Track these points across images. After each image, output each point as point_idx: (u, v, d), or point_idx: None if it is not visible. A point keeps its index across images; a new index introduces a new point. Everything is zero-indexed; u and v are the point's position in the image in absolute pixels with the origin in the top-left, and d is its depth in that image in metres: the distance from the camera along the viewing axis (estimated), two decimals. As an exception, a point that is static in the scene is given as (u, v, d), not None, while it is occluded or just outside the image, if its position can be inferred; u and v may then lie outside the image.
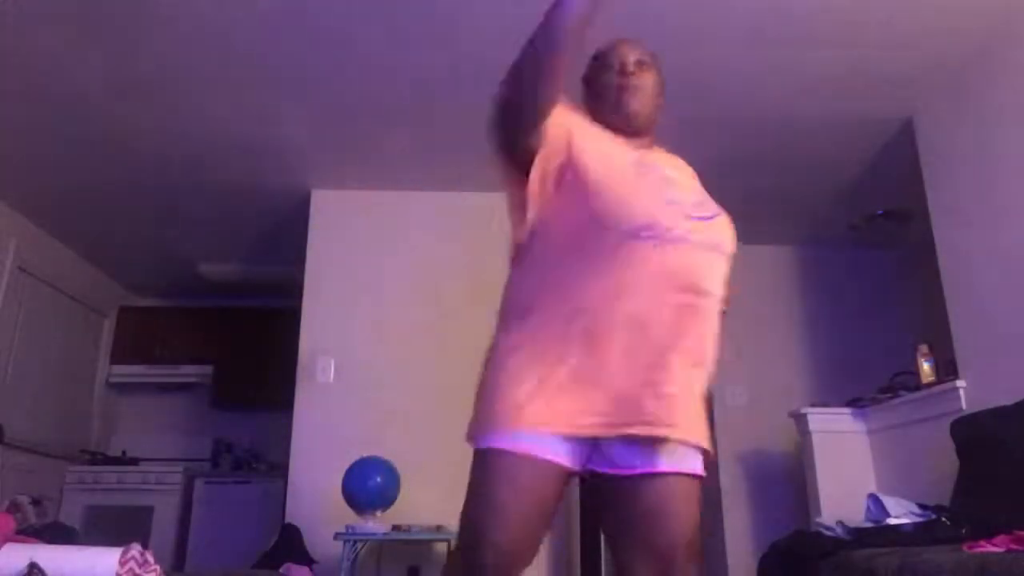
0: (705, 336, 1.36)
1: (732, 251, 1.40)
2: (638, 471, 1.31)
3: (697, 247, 1.32)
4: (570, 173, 1.35)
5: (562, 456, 1.27)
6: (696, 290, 1.31)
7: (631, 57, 1.47)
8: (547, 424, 1.26)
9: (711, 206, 1.44)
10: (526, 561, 1.26)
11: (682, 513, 1.33)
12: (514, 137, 1.33)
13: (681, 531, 1.32)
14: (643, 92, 1.46)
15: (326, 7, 2.70)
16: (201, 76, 3.11)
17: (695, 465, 1.37)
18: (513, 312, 1.37)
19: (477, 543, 1.24)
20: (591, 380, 1.27)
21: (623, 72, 1.45)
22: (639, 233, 1.28)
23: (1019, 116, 2.80)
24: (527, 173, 1.35)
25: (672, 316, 1.29)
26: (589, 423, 1.27)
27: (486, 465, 1.27)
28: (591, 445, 1.31)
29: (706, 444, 1.39)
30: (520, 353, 1.31)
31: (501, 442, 1.26)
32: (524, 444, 1.25)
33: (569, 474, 1.31)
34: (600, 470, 1.33)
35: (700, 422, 1.40)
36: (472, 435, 1.32)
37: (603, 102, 1.47)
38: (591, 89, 1.51)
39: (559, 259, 1.34)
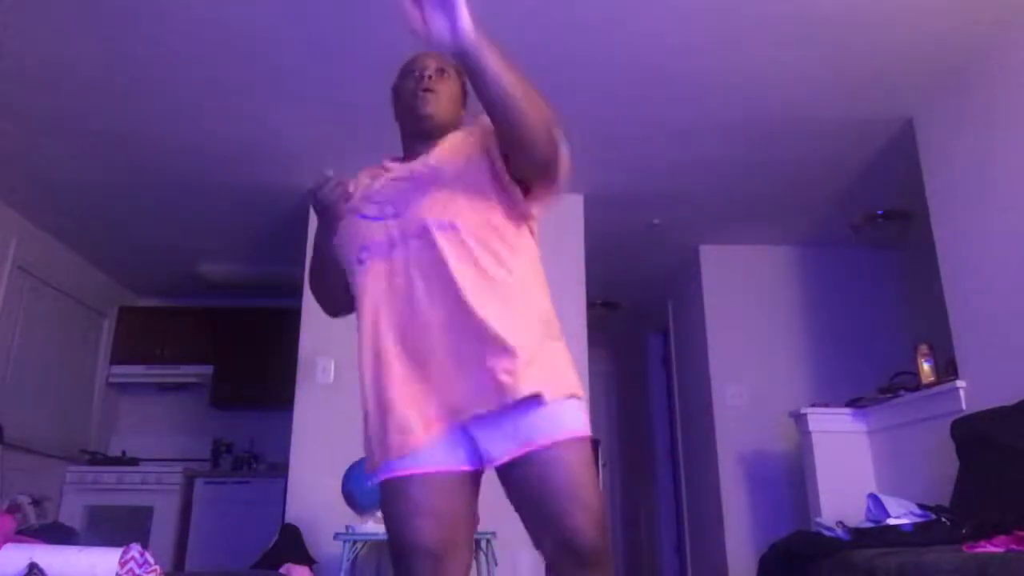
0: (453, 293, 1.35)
1: (444, 219, 1.39)
2: (502, 460, 1.30)
3: (405, 241, 1.40)
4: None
5: (433, 464, 1.33)
6: (408, 290, 1.37)
7: (431, 66, 1.53)
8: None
9: (425, 175, 1.46)
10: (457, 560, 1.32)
11: (553, 492, 1.26)
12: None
13: (560, 511, 1.25)
14: (439, 97, 1.51)
15: (326, 7, 2.70)
16: (201, 76, 3.11)
17: (547, 433, 1.28)
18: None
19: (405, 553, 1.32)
20: (394, 401, 1.36)
21: (421, 78, 1.51)
22: (360, 260, 1.44)
23: (1019, 116, 2.80)
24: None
25: (409, 310, 1.36)
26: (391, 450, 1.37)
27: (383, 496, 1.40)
28: (468, 441, 1.34)
29: (528, 390, 1.28)
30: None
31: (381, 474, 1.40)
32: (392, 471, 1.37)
33: (463, 474, 1.35)
34: (493, 465, 1.34)
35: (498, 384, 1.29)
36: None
37: (404, 107, 1.55)
38: (397, 97, 1.59)
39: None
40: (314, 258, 1.64)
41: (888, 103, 3.33)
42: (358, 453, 3.40)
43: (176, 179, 4.01)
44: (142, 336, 5.48)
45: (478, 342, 1.31)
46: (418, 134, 1.53)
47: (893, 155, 3.68)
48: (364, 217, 1.47)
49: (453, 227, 1.37)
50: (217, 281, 5.33)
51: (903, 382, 3.44)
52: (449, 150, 1.48)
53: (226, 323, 5.47)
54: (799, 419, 3.69)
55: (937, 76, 3.12)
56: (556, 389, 1.31)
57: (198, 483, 5.02)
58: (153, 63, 3.01)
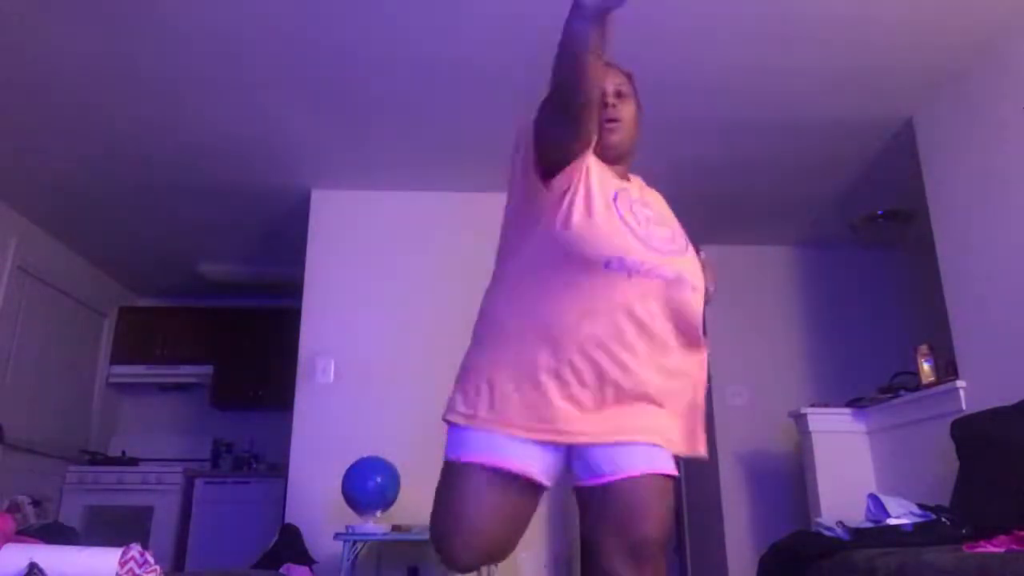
0: (665, 359, 1.46)
1: (700, 285, 1.51)
2: (615, 477, 1.38)
3: (663, 282, 1.42)
4: (568, 199, 1.41)
5: (530, 466, 1.38)
6: (652, 321, 1.42)
7: (611, 87, 1.52)
8: (512, 433, 1.37)
9: (681, 242, 1.52)
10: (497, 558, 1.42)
11: (654, 509, 1.38)
12: (564, 136, 1.39)
13: (653, 526, 1.37)
14: (623, 125, 1.52)
15: (326, 6, 2.70)
16: (201, 76, 3.11)
17: (666, 466, 1.42)
18: (485, 328, 1.48)
19: (447, 544, 1.41)
20: (542, 397, 1.37)
21: (604, 104, 1.50)
22: (608, 265, 1.38)
23: (1019, 116, 2.80)
24: (548, 176, 1.41)
25: (630, 341, 1.39)
26: (553, 433, 1.38)
27: (453, 476, 1.41)
28: (565, 454, 1.41)
29: (674, 448, 1.47)
30: (483, 369, 1.42)
31: (471, 455, 1.39)
32: (483, 456, 1.37)
33: (536, 484, 1.41)
34: (579, 482, 1.42)
35: (666, 430, 1.46)
36: (446, 446, 1.44)
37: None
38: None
39: (533, 279, 1.42)
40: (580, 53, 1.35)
41: (888, 103, 3.33)
42: (358, 453, 3.43)
43: (176, 179, 4.01)
44: (142, 336, 5.48)
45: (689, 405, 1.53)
46: (602, 159, 1.53)
47: (893, 155, 3.67)
48: (631, 229, 1.44)
49: (695, 288, 1.49)
50: (217, 281, 5.33)
51: (903, 382, 3.44)
52: (665, 211, 1.62)
53: (226, 323, 5.47)
54: (799, 419, 3.69)
55: (937, 76, 3.12)
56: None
57: (198, 483, 5.02)
58: (153, 63, 3.01)
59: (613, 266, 1.38)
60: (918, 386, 3.28)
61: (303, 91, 3.24)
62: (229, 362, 5.40)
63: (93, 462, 5.01)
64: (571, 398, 1.37)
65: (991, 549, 2.00)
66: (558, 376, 1.37)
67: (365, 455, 3.24)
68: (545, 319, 1.39)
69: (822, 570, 2.39)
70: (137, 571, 2.02)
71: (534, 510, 1.44)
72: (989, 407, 2.67)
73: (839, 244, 4.72)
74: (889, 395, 3.45)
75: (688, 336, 1.47)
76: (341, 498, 3.16)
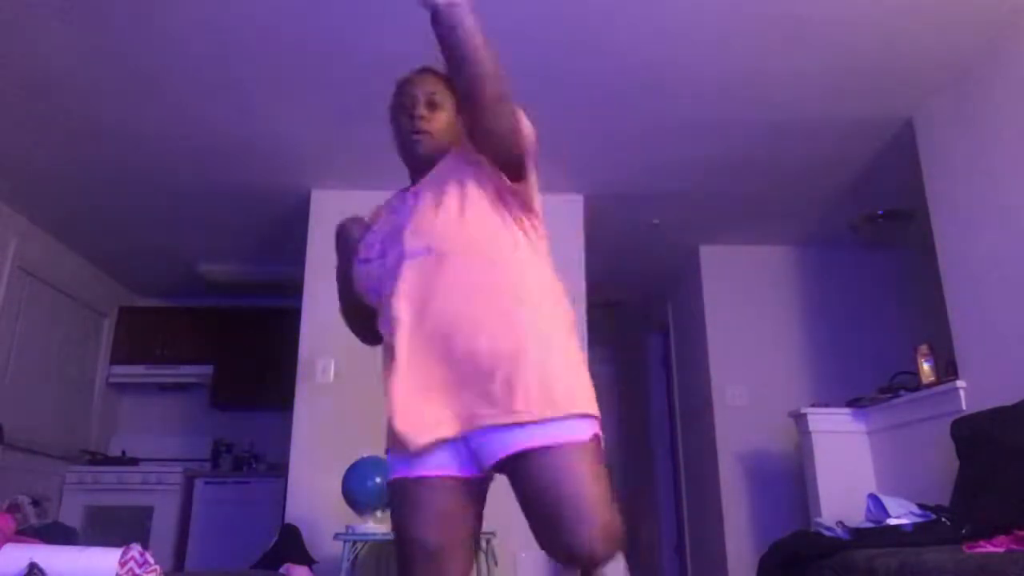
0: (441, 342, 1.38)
1: (432, 241, 1.42)
2: (499, 457, 1.31)
3: (410, 258, 1.42)
4: None
5: (435, 469, 1.37)
6: (416, 301, 1.39)
7: (421, 99, 1.53)
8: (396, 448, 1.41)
9: (411, 204, 1.50)
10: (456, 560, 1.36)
11: (552, 490, 1.25)
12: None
13: (566, 513, 1.23)
14: (432, 136, 1.53)
15: (326, 7, 2.70)
16: (201, 76, 3.11)
17: (552, 435, 1.29)
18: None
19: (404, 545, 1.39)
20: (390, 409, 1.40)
21: (412, 118, 1.53)
22: (371, 296, 1.52)
23: (1019, 116, 2.80)
24: None
25: (410, 329, 1.40)
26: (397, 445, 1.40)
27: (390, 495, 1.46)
28: (465, 448, 1.37)
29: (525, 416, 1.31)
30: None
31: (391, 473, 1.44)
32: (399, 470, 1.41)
33: (466, 480, 1.38)
34: (474, 473, 1.39)
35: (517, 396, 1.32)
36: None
37: (399, 144, 1.58)
38: (393, 126, 1.60)
39: None
40: (340, 295, 1.69)
41: (888, 103, 3.33)
42: (358, 453, 3.42)
43: (176, 179, 4.01)
44: (142, 336, 5.47)
45: (469, 363, 1.34)
46: (417, 170, 1.56)
47: (893, 155, 3.68)
48: (364, 262, 1.54)
49: (428, 250, 1.40)
50: (217, 281, 5.33)
51: (903, 382, 3.44)
52: (436, 174, 1.51)
53: (226, 323, 5.47)
54: (799, 419, 3.69)
55: (937, 76, 3.12)
56: (563, 406, 1.33)
57: (198, 483, 5.02)
58: (154, 63, 3.01)
59: (372, 300, 1.52)
60: (918, 386, 3.28)
61: (303, 91, 3.24)
62: (229, 362, 5.39)
63: (93, 462, 5.01)
64: (399, 406, 1.42)
65: (991, 549, 2.00)
66: (389, 383, 1.44)
67: (365, 455, 3.24)
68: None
69: (822, 570, 2.39)
70: (137, 571, 2.02)
71: (465, 506, 1.39)
72: (989, 407, 2.67)
73: (839, 244, 4.72)
74: (889, 395, 3.45)
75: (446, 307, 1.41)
76: (341, 498, 3.16)
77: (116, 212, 4.42)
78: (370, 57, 2.98)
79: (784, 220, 4.51)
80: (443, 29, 1.30)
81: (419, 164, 1.55)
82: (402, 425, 1.37)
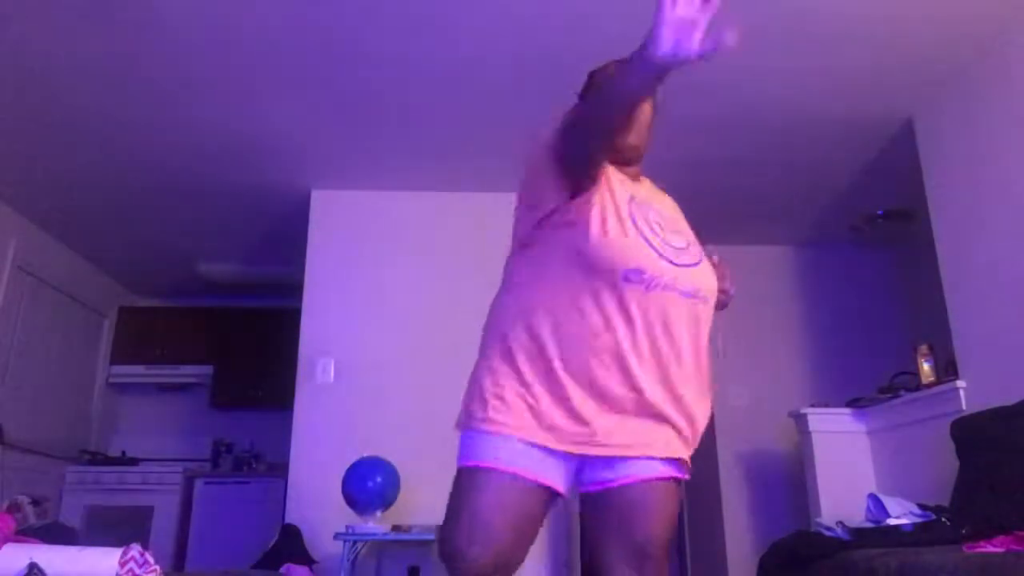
0: (679, 371, 1.43)
1: (713, 297, 1.49)
2: (620, 482, 1.40)
3: (680, 295, 1.41)
4: (588, 211, 1.41)
5: (544, 476, 1.36)
6: (670, 336, 1.40)
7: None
8: (526, 439, 1.35)
9: (696, 251, 1.51)
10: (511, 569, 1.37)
11: (657, 510, 1.41)
12: (583, 167, 1.41)
13: (656, 527, 1.40)
14: (640, 125, 1.53)
15: (326, 6, 2.70)
16: (201, 76, 3.11)
17: (669, 470, 1.43)
18: (496, 335, 1.45)
19: (458, 556, 1.34)
20: (565, 405, 1.35)
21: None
22: (628, 277, 1.36)
23: (1019, 116, 2.80)
24: (570, 193, 1.41)
25: (646, 354, 1.38)
26: (561, 442, 1.36)
27: (471, 482, 1.36)
28: (572, 463, 1.39)
29: (678, 454, 1.45)
30: (499, 374, 1.39)
31: (482, 461, 1.36)
32: (501, 463, 1.34)
33: (554, 493, 1.39)
34: (585, 488, 1.44)
35: (672, 445, 1.44)
36: (459, 453, 1.42)
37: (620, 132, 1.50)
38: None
39: (552, 290, 1.40)
40: (629, 106, 1.32)
41: (888, 103, 3.33)
42: (358, 453, 3.43)
43: (176, 179, 4.01)
44: (142, 336, 5.48)
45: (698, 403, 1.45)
46: (614, 160, 1.52)
47: (893, 155, 3.67)
48: (648, 241, 1.42)
49: (707, 301, 1.47)
50: (217, 281, 5.33)
51: (903, 382, 3.44)
52: (677, 215, 1.63)
53: (226, 323, 5.47)
54: (799, 419, 3.69)
55: (937, 76, 3.12)
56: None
57: (198, 483, 5.02)
58: (153, 63, 3.01)
59: (631, 279, 1.36)
60: (918, 386, 3.28)
61: (303, 91, 3.24)
62: (229, 362, 5.40)
63: (93, 462, 5.01)
64: (599, 409, 1.35)
65: (991, 549, 2.00)
66: (580, 384, 1.35)
67: (365, 455, 3.25)
68: (564, 330, 1.37)
69: (822, 570, 2.39)
70: (137, 571, 2.02)
71: (543, 518, 1.42)
72: (989, 407, 2.66)
73: (839, 244, 4.72)
74: (889, 395, 3.44)
75: (698, 355, 1.47)
76: (341, 498, 3.16)
77: (116, 212, 4.42)
78: (371, 57, 2.98)
79: (784, 220, 4.51)
80: (644, 80, 1.21)
81: (626, 156, 1.56)
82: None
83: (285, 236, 4.55)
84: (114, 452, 5.35)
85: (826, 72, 3.09)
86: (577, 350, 1.36)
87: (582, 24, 2.80)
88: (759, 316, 4.67)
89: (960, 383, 2.97)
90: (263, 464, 5.38)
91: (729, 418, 4.50)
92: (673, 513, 1.45)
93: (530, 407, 1.35)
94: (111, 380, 5.43)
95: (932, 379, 3.20)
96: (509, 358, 1.39)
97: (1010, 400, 2.58)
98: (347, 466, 3.19)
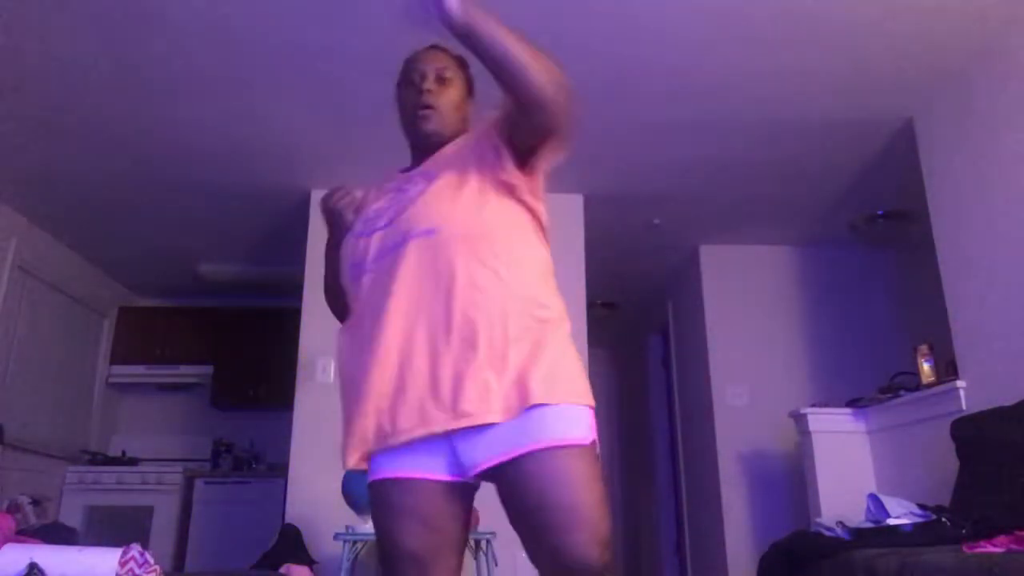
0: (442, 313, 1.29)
1: (424, 227, 1.34)
2: (484, 465, 1.23)
3: (395, 250, 1.35)
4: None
5: (422, 470, 1.30)
6: (394, 288, 1.32)
7: (430, 71, 1.48)
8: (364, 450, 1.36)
9: (411, 186, 1.43)
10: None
11: (548, 506, 1.17)
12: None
13: (555, 520, 1.16)
14: (439, 112, 1.46)
15: (326, 7, 2.70)
16: (201, 76, 3.11)
17: (544, 436, 1.20)
18: None
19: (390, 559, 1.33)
20: (369, 407, 1.33)
21: (420, 92, 1.47)
22: (352, 279, 1.42)
23: (1019, 116, 2.80)
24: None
25: (391, 329, 1.31)
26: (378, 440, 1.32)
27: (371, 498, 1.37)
28: (447, 451, 1.29)
29: (503, 414, 1.23)
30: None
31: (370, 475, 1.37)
32: (381, 470, 1.34)
33: (449, 484, 1.31)
34: (461, 477, 1.31)
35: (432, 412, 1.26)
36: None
37: (406, 120, 1.51)
38: (398, 104, 1.54)
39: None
40: (326, 270, 1.59)
41: (888, 103, 3.33)
42: (358, 453, 3.39)
43: (176, 179, 4.01)
44: (142, 336, 5.48)
45: (462, 349, 1.25)
46: (421, 148, 1.50)
47: (893, 155, 3.68)
48: (357, 235, 1.45)
49: (431, 231, 1.31)
50: (217, 281, 5.33)
51: (903, 382, 3.44)
52: (444, 155, 1.45)
53: (226, 323, 5.47)
54: (799, 419, 3.69)
55: (937, 76, 3.12)
56: (556, 394, 1.24)
57: (198, 483, 5.02)
58: (153, 63, 3.01)
59: (353, 275, 1.42)
60: (918, 386, 3.28)
61: (303, 91, 3.24)
62: (229, 362, 5.39)
63: (93, 462, 5.01)
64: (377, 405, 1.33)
65: (991, 549, 2.00)
66: (358, 389, 1.36)
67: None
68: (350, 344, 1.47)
69: (822, 570, 2.39)
70: (137, 571, 2.03)
71: (449, 511, 1.32)
72: (989, 407, 2.67)
73: (839, 244, 4.72)
74: (889, 395, 3.45)
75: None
76: (341, 498, 3.16)
77: (116, 212, 4.42)
78: (370, 57, 2.98)
79: (784, 220, 4.51)
80: (462, 40, 1.26)
81: (424, 141, 1.48)
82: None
83: (285, 236, 4.55)
84: (114, 452, 5.35)
85: (826, 72, 3.09)
86: (347, 364, 1.46)
87: (580, 24, 2.80)
88: (759, 316, 4.68)
89: (960, 383, 2.97)
90: (263, 464, 5.38)
91: (729, 418, 4.51)
92: (573, 492, 1.18)
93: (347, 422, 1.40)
94: (111, 380, 5.43)
95: (932, 379, 3.20)
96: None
97: (1010, 400, 2.58)
98: (347, 466, 3.19)
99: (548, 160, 1.40)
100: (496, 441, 1.22)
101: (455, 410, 1.23)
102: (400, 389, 1.29)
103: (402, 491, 1.31)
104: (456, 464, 1.28)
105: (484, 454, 1.23)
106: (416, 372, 1.28)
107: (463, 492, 1.33)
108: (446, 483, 1.30)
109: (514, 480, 1.21)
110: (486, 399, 1.23)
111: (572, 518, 1.15)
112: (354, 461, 1.37)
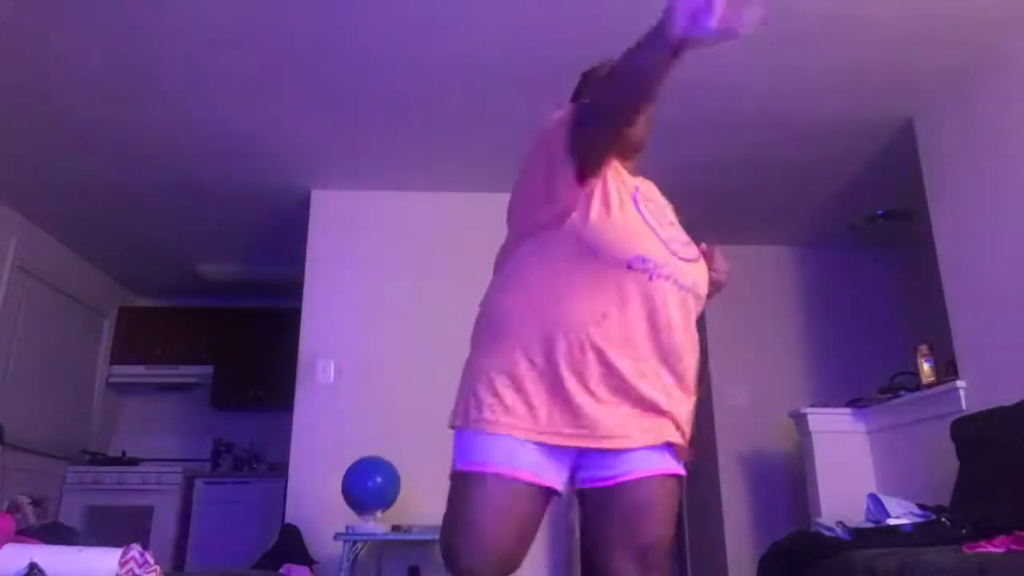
0: (676, 363, 1.42)
1: (704, 296, 1.50)
2: (623, 479, 1.37)
3: (679, 287, 1.40)
4: (591, 198, 1.39)
5: (540, 476, 1.33)
6: (669, 326, 1.38)
7: None
8: (522, 438, 1.33)
9: (694, 249, 1.51)
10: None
11: (660, 510, 1.39)
12: (595, 156, 1.37)
13: (659, 527, 1.38)
14: (644, 118, 1.52)
15: (326, 6, 2.70)
16: (201, 76, 3.11)
17: (671, 466, 1.41)
18: (494, 329, 1.43)
19: (455, 559, 1.34)
20: (563, 398, 1.33)
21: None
22: (631, 265, 1.35)
23: (1019, 116, 2.80)
24: (582, 178, 1.37)
25: (645, 343, 1.37)
26: (560, 436, 1.33)
27: (468, 487, 1.34)
28: (568, 460, 1.37)
29: (674, 439, 1.42)
30: (495, 372, 1.36)
31: (477, 465, 1.33)
32: (498, 465, 1.32)
33: (552, 492, 1.37)
34: (584, 484, 1.41)
35: (670, 435, 1.42)
36: (454, 455, 1.39)
37: (627, 132, 1.47)
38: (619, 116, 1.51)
39: (551, 279, 1.39)
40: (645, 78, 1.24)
41: (888, 103, 3.33)
42: (358, 453, 3.43)
43: (176, 179, 4.01)
44: (142, 336, 5.48)
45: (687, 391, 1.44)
46: (621, 155, 1.53)
47: (893, 155, 3.67)
48: (653, 229, 1.42)
49: (700, 299, 1.48)
50: (217, 281, 5.33)
51: (903, 382, 3.44)
52: (648, 196, 1.55)
53: (226, 323, 5.47)
54: (799, 419, 3.69)
55: (937, 76, 3.12)
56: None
57: (198, 483, 5.02)
58: (153, 63, 3.01)
59: (635, 266, 1.35)
60: (918, 386, 3.28)
61: (303, 91, 3.24)
62: (229, 362, 5.40)
63: (93, 462, 5.01)
64: (597, 400, 1.33)
65: (991, 549, 2.00)
66: (579, 376, 1.32)
67: (365, 455, 3.24)
68: (562, 318, 1.34)
69: (822, 570, 2.39)
70: (137, 571, 2.02)
71: (542, 519, 1.40)
72: (989, 407, 2.67)
73: (839, 244, 4.72)
74: (889, 395, 3.44)
75: (692, 348, 1.46)
76: (341, 498, 3.16)
77: (116, 212, 4.42)
78: (370, 57, 2.98)
79: (784, 220, 4.51)
80: (661, 56, 1.15)
81: (628, 152, 1.56)
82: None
83: (285, 236, 4.55)
84: (114, 452, 5.35)
85: (826, 72, 3.09)
86: (576, 341, 1.33)
87: (580, 24, 2.79)
88: (759, 316, 4.67)
89: (960, 383, 2.97)
90: (263, 464, 5.38)
91: (729, 418, 4.51)
92: (674, 511, 1.43)
93: (526, 403, 1.33)
94: (111, 380, 5.43)
95: (932, 379, 3.20)
96: (505, 351, 1.37)
97: (1010, 400, 2.58)
98: (347, 466, 3.19)
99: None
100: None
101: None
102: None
103: (520, 493, 1.33)
104: (569, 475, 1.40)
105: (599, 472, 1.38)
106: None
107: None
108: (553, 492, 1.38)
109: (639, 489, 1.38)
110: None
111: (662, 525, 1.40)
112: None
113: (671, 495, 1.41)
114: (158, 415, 5.64)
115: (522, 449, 1.32)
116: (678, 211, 1.65)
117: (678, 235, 1.49)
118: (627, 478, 1.36)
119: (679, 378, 1.41)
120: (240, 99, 3.29)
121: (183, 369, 5.44)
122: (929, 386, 3.18)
